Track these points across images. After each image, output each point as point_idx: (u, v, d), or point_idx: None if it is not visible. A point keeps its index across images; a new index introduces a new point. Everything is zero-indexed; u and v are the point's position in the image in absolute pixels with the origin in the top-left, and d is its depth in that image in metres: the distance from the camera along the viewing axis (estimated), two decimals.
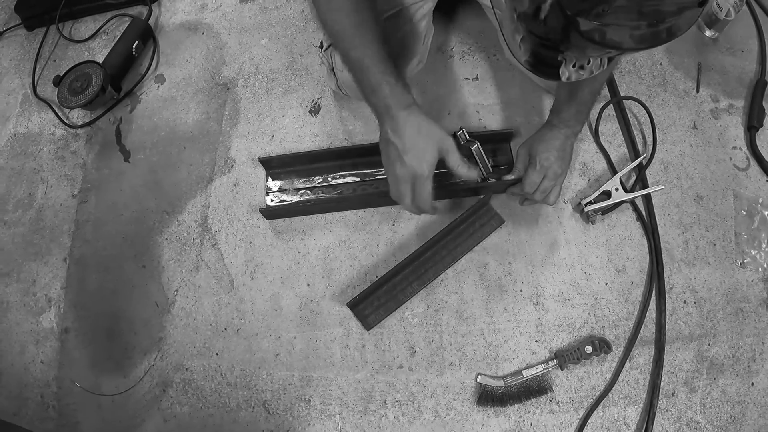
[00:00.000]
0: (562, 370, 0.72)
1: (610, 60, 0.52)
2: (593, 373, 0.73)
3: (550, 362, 0.72)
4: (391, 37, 0.72)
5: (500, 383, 0.71)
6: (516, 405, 0.71)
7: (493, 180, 0.80)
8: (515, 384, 0.71)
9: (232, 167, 0.89)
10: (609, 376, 0.73)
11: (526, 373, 0.71)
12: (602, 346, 0.72)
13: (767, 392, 0.72)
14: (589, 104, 0.74)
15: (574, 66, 0.49)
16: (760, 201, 0.82)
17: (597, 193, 0.79)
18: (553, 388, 0.72)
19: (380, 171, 0.83)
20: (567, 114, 0.72)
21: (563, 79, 0.50)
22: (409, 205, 0.64)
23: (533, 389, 0.71)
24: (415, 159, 0.61)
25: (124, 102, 0.98)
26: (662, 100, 0.88)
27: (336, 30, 0.61)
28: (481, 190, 0.79)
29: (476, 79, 0.90)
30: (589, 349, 0.71)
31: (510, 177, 0.76)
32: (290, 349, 0.77)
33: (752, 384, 0.73)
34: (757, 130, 0.85)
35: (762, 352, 0.74)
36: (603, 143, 0.85)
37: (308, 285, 0.80)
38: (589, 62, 0.50)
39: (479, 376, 0.72)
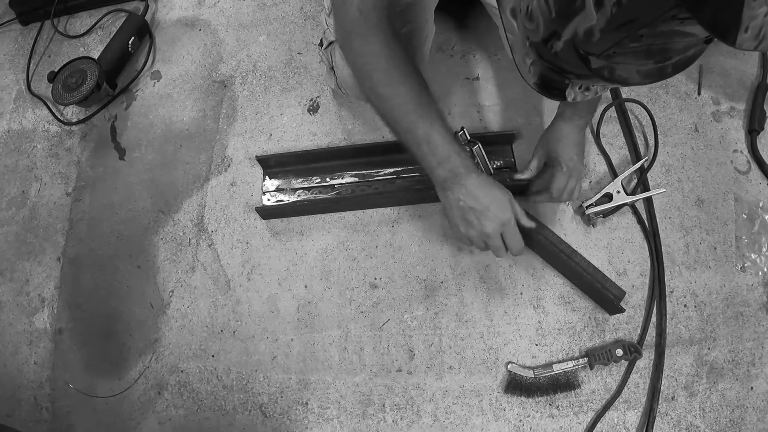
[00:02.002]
0: (591, 369, 0.71)
1: None
2: (592, 377, 0.71)
3: (580, 360, 0.70)
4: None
5: (530, 374, 0.70)
6: (543, 397, 0.70)
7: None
8: (544, 377, 0.70)
9: (228, 166, 0.86)
10: (608, 380, 0.71)
11: (557, 368, 0.70)
12: (632, 350, 0.70)
13: (766, 396, 0.70)
14: (600, 94, 0.72)
15: (580, 88, 0.49)
16: (761, 205, 0.79)
17: (598, 196, 0.77)
18: (582, 385, 0.70)
19: (379, 171, 0.80)
20: (578, 106, 0.69)
21: (569, 99, 0.50)
22: (504, 255, 0.64)
23: (561, 384, 0.70)
24: (499, 209, 0.61)
25: (120, 99, 0.94)
26: (663, 102, 0.85)
27: (397, 103, 0.58)
28: None
29: (477, 79, 0.87)
30: (619, 352, 0.70)
31: (522, 176, 0.74)
32: (287, 352, 0.75)
33: (751, 388, 0.71)
34: (758, 134, 0.83)
35: (761, 356, 0.72)
36: (604, 145, 0.82)
37: (306, 287, 0.77)
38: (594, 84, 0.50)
39: (510, 364, 0.71)
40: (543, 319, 0.73)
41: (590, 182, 0.80)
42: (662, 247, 0.76)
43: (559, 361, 0.71)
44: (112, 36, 0.96)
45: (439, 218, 0.79)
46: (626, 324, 0.73)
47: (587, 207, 0.76)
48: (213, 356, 0.76)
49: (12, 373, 0.79)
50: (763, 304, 0.74)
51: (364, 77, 0.60)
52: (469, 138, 0.72)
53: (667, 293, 0.74)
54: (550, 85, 0.49)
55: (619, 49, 0.38)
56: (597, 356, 0.70)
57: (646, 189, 0.78)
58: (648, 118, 0.82)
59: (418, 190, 0.79)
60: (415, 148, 0.60)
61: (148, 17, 0.99)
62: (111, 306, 0.80)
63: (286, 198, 0.80)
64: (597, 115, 0.83)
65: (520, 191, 0.77)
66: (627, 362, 0.71)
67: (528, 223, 0.64)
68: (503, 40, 0.53)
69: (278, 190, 0.81)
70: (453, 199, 0.61)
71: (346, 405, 0.72)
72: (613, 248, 0.77)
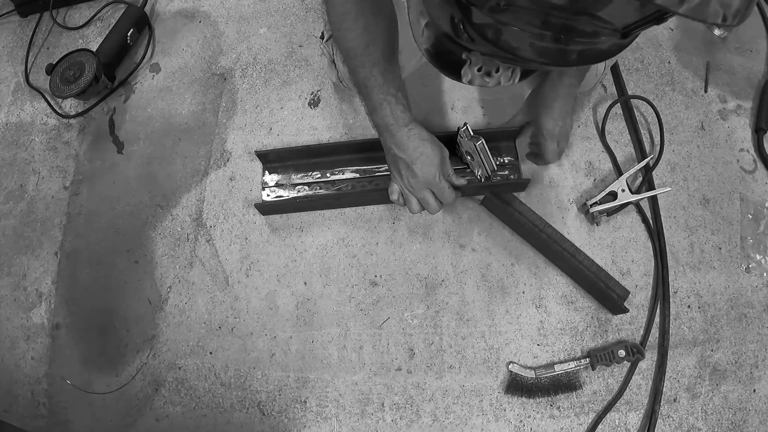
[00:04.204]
0: (593, 369, 0.67)
1: (524, 75, 0.44)
2: (594, 378, 0.68)
3: (582, 360, 0.67)
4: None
5: (531, 374, 0.67)
6: (544, 398, 0.67)
7: (498, 178, 0.74)
8: (546, 377, 0.67)
9: (228, 160, 0.82)
10: (610, 381, 0.68)
11: (558, 368, 0.67)
12: (635, 351, 0.67)
13: None
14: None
15: (479, 70, 0.43)
16: (767, 205, 0.76)
17: (603, 194, 0.73)
18: (583, 386, 0.67)
19: (380, 167, 0.77)
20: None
21: (464, 81, 0.44)
22: (435, 209, 0.64)
23: (563, 384, 0.67)
24: (425, 164, 0.61)
25: (118, 91, 0.90)
26: (670, 100, 0.81)
27: (346, 47, 0.58)
28: (485, 188, 0.73)
29: None
30: (622, 352, 0.67)
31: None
32: (286, 350, 0.71)
33: (754, 391, 0.68)
34: (765, 132, 0.79)
35: (765, 358, 0.69)
36: (609, 143, 0.78)
37: (305, 283, 0.74)
38: (498, 71, 0.43)
39: (511, 364, 0.68)
40: (545, 318, 0.70)
41: (594, 180, 0.77)
42: (666, 247, 0.72)
43: (561, 362, 0.68)
44: (110, 28, 0.92)
45: (440, 214, 0.76)
46: (629, 324, 0.70)
47: (591, 205, 0.73)
48: (211, 353, 0.72)
49: (9, 368, 0.76)
50: (767, 305, 0.71)
51: (327, 20, 0.59)
52: (472, 133, 0.68)
53: (671, 294, 0.71)
54: (445, 57, 0.43)
55: (503, 2, 0.32)
56: (599, 357, 0.67)
57: (651, 187, 0.75)
58: (654, 115, 0.78)
59: None
60: (357, 90, 0.61)
61: (147, 9, 0.95)
62: (108, 301, 0.77)
63: (286, 193, 0.77)
64: (602, 112, 0.79)
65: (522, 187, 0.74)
66: (629, 363, 0.68)
67: (459, 182, 0.65)
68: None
69: (278, 185, 0.77)
70: (386, 146, 0.63)
71: (344, 404, 0.69)
72: (616, 247, 0.73)
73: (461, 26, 0.37)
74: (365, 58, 0.57)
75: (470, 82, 0.44)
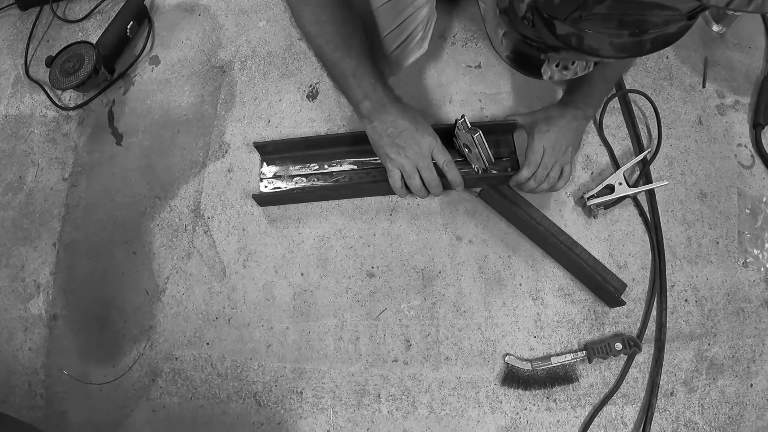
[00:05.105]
0: (590, 362, 0.67)
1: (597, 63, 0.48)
2: (591, 371, 0.68)
3: (579, 353, 0.67)
4: (391, 24, 0.64)
5: (528, 366, 0.66)
6: (540, 390, 0.66)
7: (495, 171, 0.73)
8: (542, 369, 0.66)
9: (226, 152, 0.82)
10: (607, 374, 0.67)
11: (555, 361, 0.66)
12: (631, 344, 0.66)
13: (766, 394, 0.67)
14: (600, 88, 0.68)
15: (557, 66, 0.46)
16: (764, 200, 0.75)
17: (600, 187, 0.73)
18: (580, 379, 0.67)
19: (377, 159, 0.76)
20: (577, 95, 0.67)
21: (545, 78, 0.47)
22: (419, 188, 0.64)
23: (559, 377, 0.66)
24: (425, 128, 0.62)
25: (118, 84, 0.90)
26: (668, 94, 0.81)
27: (324, 41, 0.58)
28: (482, 181, 0.72)
29: (479, 66, 0.83)
30: (618, 345, 0.66)
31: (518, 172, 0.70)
32: (283, 340, 0.71)
33: (751, 385, 0.67)
34: (763, 128, 0.79)
35: (762, 353, 0.68)
36: (607, 136, 0.78)
37: (302, 274, 0.74)
38: (573, 63, 0.46)
39: (507, 356, 0.67)
40: (542, 311, 0.70)
41: (592, 173, 0.76)
42: (664, 241, 0.72)
43: (558, 354, 0.67)
44: (110, 20, 0.91)
45: (438, 206, 0.75)
46: (626, 318, 0.70)
47: (588, 198, 0.72)
48: (208, 344, 0.72)
49: (6, 359, 0.75)
50: (764, 300, 0.71)
51: (295, 15, 0.59)
52: (470, 126, 0.67)
53: (667, 287, 0.70)
54: (525, 60, 0.46)
55: (584, 13, 0.35)
56: (596, 350, 0.67)
57: (649, 181, 0.75)
58: (651, 109, 0.78)
59: None
60: (342, 81, 0.60)
61: (147, 2, 0.94)
62: (106, 292, 0.77)
63: (284, 185, 0.76)
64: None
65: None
66: (626, 356, 0.68)
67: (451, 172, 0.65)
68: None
69: (275, 176, 0.77)
70: (381, 128, 0.62)
71: (341, 395, 0.68)
72: (614, 240, 0.73)
73: (546, 37, 0.40)
74: (350, 48, 0.57)
75: (551, 78, 0.46)
